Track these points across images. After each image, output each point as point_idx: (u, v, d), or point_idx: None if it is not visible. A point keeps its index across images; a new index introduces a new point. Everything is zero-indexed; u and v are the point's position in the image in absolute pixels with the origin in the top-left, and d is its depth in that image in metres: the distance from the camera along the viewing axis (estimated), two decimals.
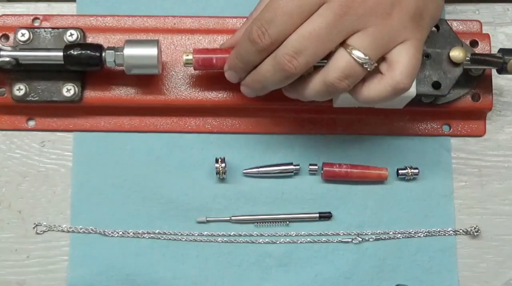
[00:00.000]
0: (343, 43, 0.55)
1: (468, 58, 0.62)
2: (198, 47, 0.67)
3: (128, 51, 0.62)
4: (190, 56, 0.62)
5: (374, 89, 0.57)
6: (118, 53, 0.63)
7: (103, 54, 0.63)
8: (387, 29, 0.55)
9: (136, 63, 0.63)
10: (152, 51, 0.62)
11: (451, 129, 0.70)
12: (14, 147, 0.69)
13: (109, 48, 0.63)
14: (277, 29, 0.55)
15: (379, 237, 0.68)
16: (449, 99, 0.66)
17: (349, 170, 0.67)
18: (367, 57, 0.54)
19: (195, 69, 0.64)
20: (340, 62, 0.55)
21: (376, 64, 0.55)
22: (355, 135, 0.69)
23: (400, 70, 0.55)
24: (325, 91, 0.57)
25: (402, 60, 0.55)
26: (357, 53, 0.54)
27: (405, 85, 0.56)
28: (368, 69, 0.55)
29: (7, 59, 0.63)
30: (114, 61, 0.63)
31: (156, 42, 0.63)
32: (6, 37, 0.67)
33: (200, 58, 0.62)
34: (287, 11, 0.54)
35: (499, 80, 0.70)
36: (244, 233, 0.67)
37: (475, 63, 0.63)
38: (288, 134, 0.69)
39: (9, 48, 0.64)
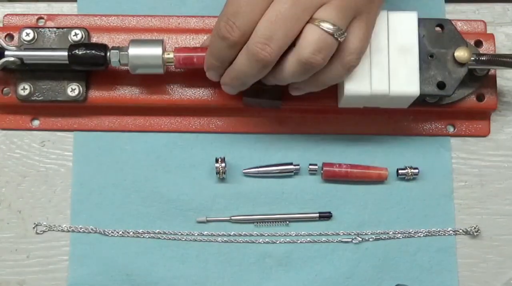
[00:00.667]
0: (309, 21, 0.53)
1: (473, 58, 0.60)
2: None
3: (133, 51, 0.60)
4: (171, 55, 0.60)
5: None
6: (123, 53, 0.60)
7: (108, 54, 0.60)
8: (348, 0, 0.53)
9: (141, 63, 0.60)
10: (156, 50, 0.60)
11: (456, 129, 0.67)
12: (14, 147, 0.66)
13: (114, 48, 0.60)
14: (244, 20, 0.53)
15: (379, 237, 0.65)
16: (454, 99, 0.63)
17: (349, 170, 0.65)
18: (336, 27, 0.53)
19: (176, 67, 0.62)
20: (311, 37, 0.53)
21: (345, 35, 0.53)
22: (355, 135, 0.67)
23: (350, 50, 0.55)
24: (301, 71, 0.55)
25: (353, 39, 0.54)
26: (325, 25, 0.53)
27: (355, 63, 0.56)
28: (339, 39, 0.53)
29: (12, 59, 0.60)
30: (119, 61, 0.60)
31: (161, 42, 0.60)
32: (11, 36, 0.65)
33: (181, 57, 0.60)
34: (251, 0, 0.52)
35: (499, 80, 0.66)
36: (244, 233, 0.65)
37: (490, 64, 0.60)
38: (288, 134, 0.67)
39: (14, 48, 0.61)
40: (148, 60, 0.60)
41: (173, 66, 0.61)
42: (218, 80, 0.60)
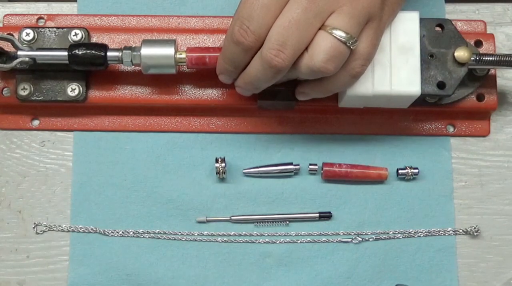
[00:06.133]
0: (321, 27, 0.52)
1: (473, 58, 0.59)
2: (199, 46, 0.64)
3: (145, 51, 0.59)
4: (184, 55, 0.60)
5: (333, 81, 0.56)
6: (135, 53, 0.59)
7: (119, 54, 0.59)
8: (360, 6, 0.53)
9: (153, 63, 0.59)
10: (169, 51, 0.59)
11: (456, 129, 0.66)
12: (14, 147, 0.66)
13: (126, 48, 0.60)
14: (258, 24, 0.52)
15: (379, 237, 0.64)
16: (454, 99, 0.63)
17: (349, 169, 0.64)
18: (348, 35, 0.52)
19: (188, 67, 0.61)
20: (323, 44, 0.52)
21: (358, 42, 0.53)
22: (355, 135, 0.66)
23: (357, 56, 0.54)
24: (311, 76, 0.55)
25: (360, 46, 0.54)
26: (338, 33, 0.52)
27: (361, 70, 0.55)
28: (352, 47, 0.52)
29: (27, 59, 0.60)
30: (131, 61, 0.59)
31: (173, 42, 0.60)
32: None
33: (194, 57, 0.59)
34: (264, 4, 0.52)
35: (499, 80, 0.66)
36: (244, 233, 0.64)
37: (491, 64, 0.60)
38: (288, 134, 0.66)
39: (27, 48, 0.61)
40: (160, 60, 0.59)
41: (185, 66, 0.60)
42: (230, 83, 0.59)
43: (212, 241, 0.64)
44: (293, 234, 0.64)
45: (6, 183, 0.65)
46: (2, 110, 0.65)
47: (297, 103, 0.62)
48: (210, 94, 0.64)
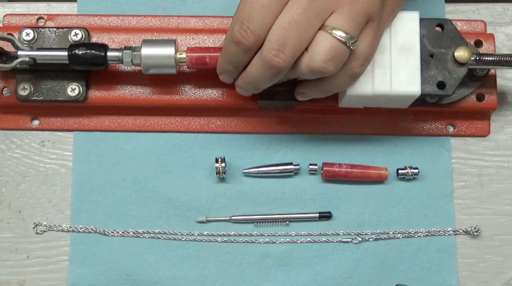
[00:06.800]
0: (321, 28, 0.52)
1: (473, 58, 0.59)
2: (200, 46, 0.64)
3: (146, 51, 0.59)
4: (184, 55, 0.59)
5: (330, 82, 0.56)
6: (136, 53, 0.59)
7: (119, 54, 0.59)
8: (360, 7, 0.52)
9: (154, 63, 0.59)
10: (169, 51, 0.59)
11: (456, 129, 0.66)
12: (14, 147, 0.66)
13: (126, 48, 0.59)
14: (258, 24, 0.52)
15: (379, 237, 0.64)
16: (454, 99, 0.63)
17: (349, 169, 0.64)
18: (348, 35, 0.52)
19: (188, 67, 0.61)
20: (323, 44, 0.52)
21: (357, 43, 0.53)
22: (355, 135, 0.66)
23: (355, 57, 0.54)
24: (311, 76, 0.55)
25: (359, 46, 0.53)
26: (338, 33, 0.52)
27: (361, 70, 0.55)
28: (352, 47, 0.52)
29: (27, 59, 0.59)
30: (132, 61, 0.59)
31: (173, 42, 0.60)
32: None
33: (194, 57, 0.59)
34: (264, 4, 0.52)
35: (499, 80, 0.66)
36: (244, 233, 0.64)
37: (491, 64, 0.60)
38: (288, 134, 0.66)
39: (27, 47, 0.61)
40: (160, 60, 0.59)
41: (185, 66, 0.60)
42: (231, 83, 0.59)
43: (212, 241, 0.64)
44: (293, 234, 0.64)
45: (6, 183, 0.64)
46: (2, 110, 0.65)
47: (297, 103, 0.62)
48: (210, 94, 0.64)
